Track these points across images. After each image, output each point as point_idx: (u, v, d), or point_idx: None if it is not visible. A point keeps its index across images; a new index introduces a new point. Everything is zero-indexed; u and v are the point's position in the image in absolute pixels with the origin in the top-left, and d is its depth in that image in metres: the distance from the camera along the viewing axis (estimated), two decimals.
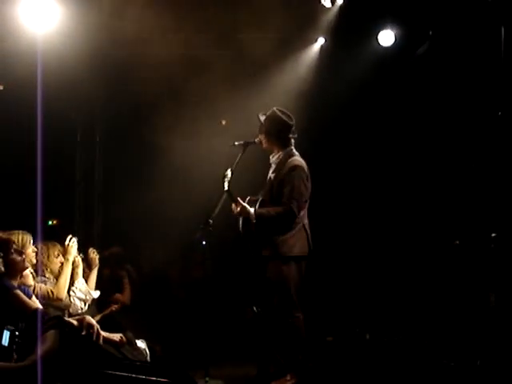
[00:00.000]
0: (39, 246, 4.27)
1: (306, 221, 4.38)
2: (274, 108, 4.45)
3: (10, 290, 3.09)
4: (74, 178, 7.99)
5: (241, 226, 4.37)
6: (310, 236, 4.38)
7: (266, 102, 5.18)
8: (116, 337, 3.18)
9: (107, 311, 5.00)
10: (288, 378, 4.20)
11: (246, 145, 4.50)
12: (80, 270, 4.53)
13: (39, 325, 2.71)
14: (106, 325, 3.52)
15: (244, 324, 5.55)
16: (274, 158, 4.46)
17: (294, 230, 4.29)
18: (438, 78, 6.18)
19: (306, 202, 4.36)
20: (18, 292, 3.11)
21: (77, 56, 5.99)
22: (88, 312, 4.42)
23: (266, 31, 6.02)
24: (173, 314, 5.82)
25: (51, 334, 2.70)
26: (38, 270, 4.22)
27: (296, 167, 4.31)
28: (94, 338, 2.85)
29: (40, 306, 3.42)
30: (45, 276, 4.36)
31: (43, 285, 4.20)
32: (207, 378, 4.30)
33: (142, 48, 6.24)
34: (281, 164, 4.38)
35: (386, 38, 6.28)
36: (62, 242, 4.54)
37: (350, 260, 6.73)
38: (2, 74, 6.26)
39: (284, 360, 4.28)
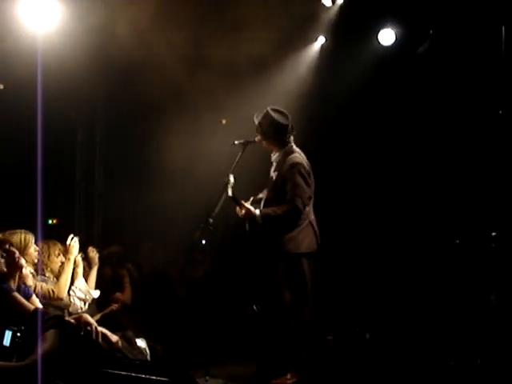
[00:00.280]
0: (40, 245, 4.27)
1: (312, 217, 4.38)
2: (268, 108, 4.41)
3: (7, 293, 3.08)
4: (74, 177, 8.00)
5: (247, 226, 4.36)
6: (317, 232, 4.38)
7: (267, 101, 5.17)
8: (114, 338, 3.18)
9: (107, 310, 5.00)
10: (289, 376, 4.20)
11: (246, 144, 4.49)
12: (80, 270, 4.53)
13: (39, 324, 2.71)
14: (106, 324, 3.52)
15: (244, 323, 5.55)
16: (274, 157, 4.47)
17: (300, 227, 4.29)
18: (439, 77, 6.18)
19: (310, 198, 4.35)
20: (16, 295, 3.11)
21: (77, 56, 5.98)
22: (88, 311, 4.42)
23: (266, 30, 6.03)
24: (173, 313, 5.82)
25: (51, 333, 2.69)
26: (38, 269, 4.22)
27: (296, 164, 4.30)
28: (94, 336, 2.85)
29: (40, 306, 3.42)
30: (45, 275, 4.36)
31: (44, 284, 4.20)
32: (207, 377, 4.30)
33: (142, 48, 6.23)
34: (281, 162, 4.37)
35: (387, 36, 6.28)
36: (62, 242, 4.54)
37: (351, 259, 6.73)
38: (2, 74, 6.26)
39: (286, 358, 4.28)
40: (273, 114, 4.36)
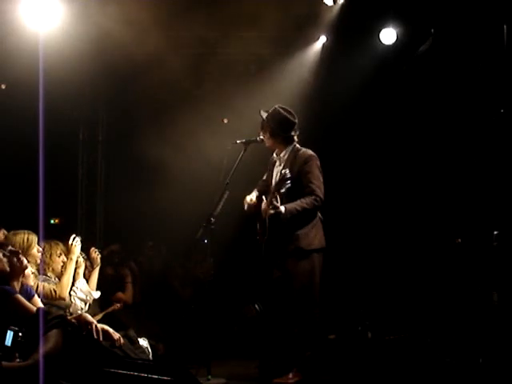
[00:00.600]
0: (42, 245, 4.28)
1: (319, 214, 4.40)
2: (277, 106, 4.43)
3: (10, 295, 3.08)
4: (76, 177, 8.00)
5: (263, 223, 4.28)
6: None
7: (268, 100, 5.18)
8: (116, 335, 3.18)
9: (109, 309, 5.01)
10: (291, 375, 4.19)
11: (247, 143, 4.49)
12: (82, 271, 4.53)
13: (41, 324, 2.71)
14: (108, 323, 3.52)
15: (246, 322, 5.55)
16: (281, 155, 4.44)
17: (312, 223, 4.30)
18: (440, 76, 6.18)
19: None
20: (18, 296, 3.11)
21: (79, 55, 6.00)
22: (90, 311, 4.42)
23: (267, 30, 6.02)
24: (175, 313, 5.83)
25: (54, 333, 2.69)
26: (40, 269, 4.22)
27: (311, 157, 4.33)
28: (95, 335, 2.85)
29: (42, 306, 3.42)
30: (46, 275, 4.36)
31: (46, 284, 4.21)
32: (209, 376, 4.30)
33: (144, 47, 6.25)
34: (291, 158, 4.36)
35: (388, 36, 6.28)
36: (64, 241, 4.55)
37: (352, 258, 6.73)
38: (5, 74, 6.27)
39: (289, 357, 4.27)
40: (282, 111, 4.39)
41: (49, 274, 4.40)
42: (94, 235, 7.78)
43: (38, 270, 4.21)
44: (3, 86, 6.63)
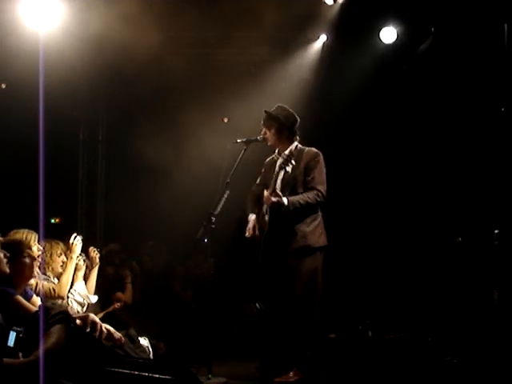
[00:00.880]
0: (42, 244, 4.28)
1: (321, 212, 4.41)
2: (279, 104, 4.47)
3: (11, 296, 3.08)
4: (76, 176, 8.01)
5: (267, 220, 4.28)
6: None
7: (269, 100, 5.17)
8: (117, 335, 3.18)
9: (110, 308, 5.01)
10: (291, 374, 4.19)
11: (248, 142, 4.48)
12: (81, 274, 4.51)
13: (43, 319, 2.70)
14: (108, 322, 3.52)
15: (247, 321, 5.55)
16: (285, 152, 4.44)
17: (317, 221, 4.31)
18: (441, 74, 6.17)
19: None
20: (19, 298, 3.10)
21: (79, 55, 6.00)
22: (90, 310, 4.42)
23: (267, 29, 6.02)
24: (176, 312, 5.83)
25: (57, 328, 2.68)
26: (39, 268, 4.22)
27: (317, 154, 4.37)
28: (97, 334, 2.84)
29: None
30: (45, 274, 4.36)
31: (45, 282, 4.20)
32: (210, 375, 4.29)
33: (144, 47, 6.24)
34: (296, 155, 4.34)
35: (388, 35, 6.28)
36: (64, 241, 4.54)
37: (353, 257, 6.73)
38: (4, 73, 6.27)
39: (290, 355, 4.27)
40: (287, 107, 4.44)
41: (48, 274, 4.40)
42: (94, 235, 7.78)
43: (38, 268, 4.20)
44: (3, 86, 6.63)
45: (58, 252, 4.49)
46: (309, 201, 4.21)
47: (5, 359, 2.50)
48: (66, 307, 4.25)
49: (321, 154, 4.38)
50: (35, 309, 3.02)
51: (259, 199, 4.44)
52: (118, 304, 5.26)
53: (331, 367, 4.73)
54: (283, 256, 4.31)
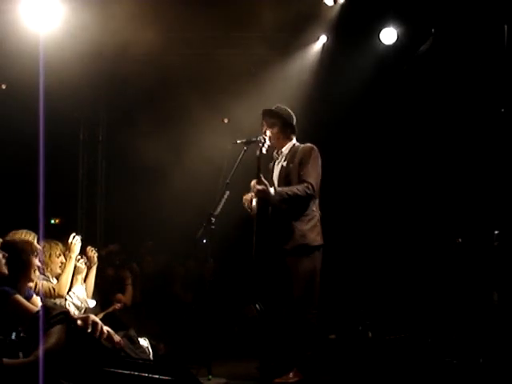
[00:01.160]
0: (41, 244, 4.27)
1: (319, 211, 4.39)
2: (278, 105, 4.50)
3: (9, 295, 3.07)
4: (76, 177, 8.01)
5: (257, 208, 4.29)
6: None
7: (269, 100, 5.17)
8: (116, 337, 3.18)
9: (110, 309, 5.01)
10: (291, 375, 4.19)
11: (248, 143, 4.48)
12: (81, 277, 4.50)
13: (44, 319, 2.70)
14: (108, 323, 3.52)
15: (246, 321, 5.55)
16: (284, 149, 4.46)
17: (314, 220, 4.29)
18: (441, 75, 6.17)
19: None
20: (18, 297, 3.09)
21: (79, 55, 6.00)
22: (90, 311, 4.42)
23: (267, 29, 6.03)
24: (176, 312, 5.83)
25: (57, 328, 2.68)
26: (39, 268, 4.21)
27: (312, 148, 4.36)
28: (97, 335, 2.84)
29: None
30: (44, 275, 4.36)
31: (45, 282, 4.20)
32: (210, 376, 4.30)
33: (144, 48, 6.25)
34: (292, 152, 4.39)
35: (388, 35, 6.28)
36: (64, 241, 4.54)
37: (353, 258, 6.73)
38: (5, 74, 6.28)
39: (290, 356, 4.27)
40: (285, 107, 4.47)
41: (47, 274, 4.40)
42: (94, 235, 7.79)
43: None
44: (4, 86, 6.64)
45: (57, 253, 4.49)
46: (297, 192, 4.19)
47: (5, 359, 2.50)
48: (67, 308, 4.26)
49: (315, 149, 4.37)
50: (35, 308, 3.01)
51: None
52: (118, 305, 5.26)
53: (331, 368, 4.73)
54: (281, 254, 4.30)
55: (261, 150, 4.27)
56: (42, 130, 4.57)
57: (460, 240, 5.77)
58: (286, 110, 4.48)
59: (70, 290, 4.40)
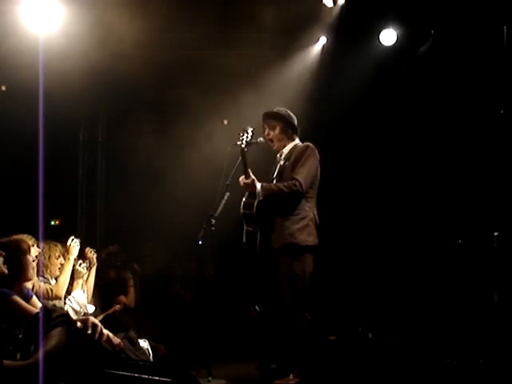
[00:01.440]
0: (41, 246, 4.27)
1: (315, 211, 4.35)
2: (278, 108, 4.51)
3: (7, 296, 3.07)
4: (76, 177, 8.01)
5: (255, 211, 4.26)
6: (317, 229, 4.34)
7: (268, 101, 5.18)
8: (116, 340, 3.18)
9: (110, 311, 5.01)
10: (291, 377, 4.19)
11: (248, 144, 4.48)
12: (82, 281, 4.49)
13: (44, 322, 2.70)
14: (108, 325, 3.52)
15: (246, 323, 5.55)
16: (284, 149, 4.46)
17: (306, 219, 4.25)
18: (440, 77, 6.18)
19: (313, 188, 4.33)
20: (16, 298, 3.09)
21: (79, 56, 5.99)
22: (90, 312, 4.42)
23: (267, 30, 6.03)
24: (176, 314, 5.83)
25: (58, 331, 2.68)
26: (38, 270, 4.21)
27: (307, 147, 4.35)
28: (97, 336, 2.84)
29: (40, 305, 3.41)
30: (44, 277, 4.36)
31: (42, 283, 4.20)
32: (210, 378, 4.30)
33: (144, 48, 6.25)
34: (292, 151, 4.40)
35: (388, 37, 6.28)
36: (64, 242, 4.55)
37: (353, 259, 6.73)
38: (5, 75, 6.27)
39: (288, 359, 4.27)
40: (286, 109, 4.48)
41: (46, 276, 4.40)
42: (94, 236, 7.79)
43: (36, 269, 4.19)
44: (3, 88, 6.63)
45: (57, 254, 4.49)
46: (283, 188, 4.18)
47: (5, 361, 2.50)
48: (67, 310, 4.25)
49: (310, 147, 4.35)
50: (34, 310, 3.01)
51: None
52: (118, 306, 5.25)
53: (331, 369, 4.73)
54: (274, 254, 4.29)
55: (243, 141, 4.22)
56: (42, 131, 4.57)
57: (460, 241, 5.78)
58: (286, 111, 4.49)
59: (69, 293, 4.39)
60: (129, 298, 5.68)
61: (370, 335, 5.77)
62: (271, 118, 4.45)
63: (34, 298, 3.55)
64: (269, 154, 4.65)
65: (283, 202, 4.23)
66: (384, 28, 6.25)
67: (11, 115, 6.27)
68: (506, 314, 4.69)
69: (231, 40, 6.43)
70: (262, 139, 4.49)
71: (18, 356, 2.71)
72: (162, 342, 4.85)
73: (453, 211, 5.98)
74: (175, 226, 6.80)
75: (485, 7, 5.22)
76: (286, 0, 5.69)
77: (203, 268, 6.23)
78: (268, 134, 4.47)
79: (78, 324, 2.81)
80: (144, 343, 4.03)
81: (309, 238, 4.24)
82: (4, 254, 3.29)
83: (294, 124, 4.46)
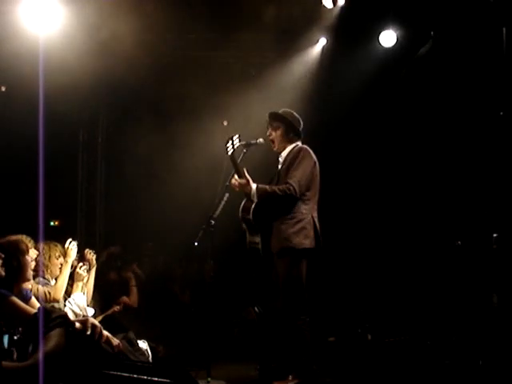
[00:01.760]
0: (40, 246, 4.28)
1: (315, 214, 4.34)
2: (284, 109, 4.51)
3: (5, 297, 3.07)
4: (76, 178, 8.00)
5: (251, 214, 4.26)
6: (319, 230, 4.32)
7: (268, 102, 5.19)
8: (115, 341, 3.18)
9: (109, 312, 5.01)
10: (290, 378, 4.19)
11: (247, 146, 4.49)
12: (82, 284, 4.49)
13: (42, 323, 2.70)
14: (108, 325, 3.52)
15: (245, 324, 5.55)
16: (283, 153, 4.46)
17: (302, 222, 4.24)
18: (440, 78, 6.18)
19: (310, 190, 4.32)
20: (14, 298, 3.09)
21: (79, 57, 5.99)
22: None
23: (267, 32, 6.03)
24: (175, 315, 5.83)
25: (56, 332, 2.68)
26: (38, 270, 4.22)
27: (300, 150, 4.35)
28: (96, 337, 2.84)
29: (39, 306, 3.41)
30: (44, 278, 4.36)
31: (40, 286, 4.20)
32: (209, 379, 4.30)
33: (143, 49, 6.25)
34: (289, 154, 4.40)
35: (388, 38, 6.28)
36: (63, 243, 4.55)
37: (352, 260, 6.73)
38: (5, 76, 6.28)
39: (287, 361, 4.26)
40: (293, 112, 4.48)
41: (47, 277, 4.40)
42: (93, 236, 7.78)
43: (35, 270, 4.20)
44: (3, 88, 6.63)
45: (57, 254, 4.50)
46: (277, 191, 4.19)
47: (4, 362, 2.50)
48: (65, 311, 4.25)
49: (304, 149, 4.36)
50: (32, 310, 3.01)
51: None
52: (118, 307, 5.26)
53: (330, 370, 4.73)
54: (270, 257, 4.30)
55: (229, 150, 4.24)
56: (42, 132, 4.57)
57: (459, 242, 5.78)
58: (291, 114, 4.48)
59: (69, 295, 4.39)
60: (131, 298, 5.68)
61: (370, 336, 5.77)
62: (275, 119, 4.46)
63: (33, 299, 3.55)
64: (269, 156, 4.65)
65: (279, 205, 4.24)
66: (384, 29, 6.25)
67: (11, 116, 6.27)
68: (506, 316, 4.69)
69: (231, 41, 6.43)
70: (261, 140, 4.50)
71: (15, 356, 2.71)
72: (161, 342, 4.86)
73: (452, 213, 5.98)
74: (175, 227, 6.80)
75: (484, 9, 5.22)
76: (286, 1, 5.69)
77: (203, 269, 6.25)
78: (270, 135, 4.47)
79: (77, 325, 2.81)
80: (143, 344, 4.04)
81: (305, 240, 4.23)
82: (3, 256, 3.29)
83: (296, 128, 4.44)
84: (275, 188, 4.22)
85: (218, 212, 4.44)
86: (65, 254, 4.48)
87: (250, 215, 4.24)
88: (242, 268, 6.15)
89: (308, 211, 4.30)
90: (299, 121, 4.48)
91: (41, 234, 4.17)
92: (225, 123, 7.48)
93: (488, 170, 5.32)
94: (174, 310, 5.94)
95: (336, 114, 6.77)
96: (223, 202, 4.42)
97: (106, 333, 3.01)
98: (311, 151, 4.39)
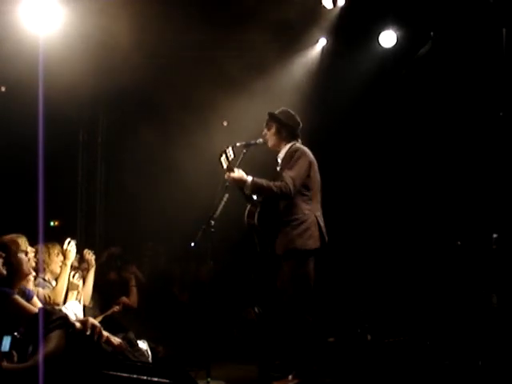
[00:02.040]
0: (40, 247, 4.28)
1: (318, 213, 4.33)
2: (283, 108, 4.53)
3: (8, 296, 3.07)
4: (76, 178, 8.00)
5: (256, 219, 4.27)
6: (323, 229, 4.32)
7: (268, 103, 5.18)
8: (116, 341, 3.19)
9: (109, 312, 5.01)
10: (290, 378, 4.19)
11: (247, 146, 4.50)
12: (75, 293, 4.48)
13: (43, 324, 2.71)
14: (108, 326, 3.52)
15: (245, 325, 5.55)
16: (280, 154, 4.47)
17: (305, 224, 4.24)
18: (440, 79, 6.18)
19: (310, 189, 4.32)
20: (17, 297, 3.10)
21: (78, 57, 6.00)
22: (90, 313, 4.42)
23: (267, 32, 6.03)
24: (175, 315, 5.83)
25: (57, 333, 2.69)
26: (38, 270, 4.22)
27: (295, 150, 4.35)
28: (96, 337, 2.85)
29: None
30: (45, 279, 4.36)
31: (41, 289, 4.20)
32: (209, 379, 4.30)
33: (143, 49, 6.25)
34: (286, 155, 4.41)
35: (388, 39, 6.28)
36: (62, 244, 4.55)
37: (352, 260, 6.73)
38: (4, 76, 6.27)
39: (288, 360, 4.27)
40: (290, 110, 4.48)
41: (47, 277, 4.40)
42: (93, 237, 7.78)
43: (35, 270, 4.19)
44: (3, 89, 6.63)
45: (56, 252, 4.51)
46: (273, 188, 4.18)
47: (4, 363, 2.50)
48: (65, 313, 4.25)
49: (299, 150, 4.36)
50: (34, 309, 3.01)
51: None
52: (117, 307, 5.26)
53: (330, 371, 4.73)
54: (276, 258, 4.30)
55: (223, 163, 4.26)
56: (42, 132, 4.58)
57: (459, 243, 5.78)
58: (287, 113, 4.48)
59: (64, 303, 4.37)
60: (131, 299, 5.67)
61: (369, 337, 5.77)
62: (269, 117, 4.49)
63: (35, 299, 3.57)
64: (269, 156, 4.65)
65: (281, 208, 4.26)
66: (384, 30, 6.25)
67: (11, 116, 6.27)
68: (505, 316, 4.69)
69: (231, 41, 6.43)
70: (261, 140, 4.51)
71: (15, 357, 2.71)
72: (161, 343, 4.86)
73: (452, 213, 5.98)
74: (175, 227, 6.80)
75: (484, 9, 5.22)
76: (286, 1, 5.69)
77: (202, 269, 6.26)
78: (265, 134, 4.49)
79: (78, 325, 2.82)
80: (143, 344, 4.04)
81: (308, 241, 4.23)
82: (4, 255, 3.30)
83: (291, 127, 4.45)
84: (271, 184, 4.21)
85: (218, 212, 4.44)
86: (63, 257, 4.47)
87: (255, 220, 4.23)
88: (242, 268, 6.15)
89: (310, 211, 4.30)
90: (296, 120, 4.48)
91: (41, 234, 4.17)
92: (225, 123, 7.48)
93: (488, 170, 5.33)
94: (173, 311, 5.94)
95: (336, 114, 6.76)
96: (223, 203, 4.42)
97: (106, 333, 3.02)
98: (308, 151, 4.39)
